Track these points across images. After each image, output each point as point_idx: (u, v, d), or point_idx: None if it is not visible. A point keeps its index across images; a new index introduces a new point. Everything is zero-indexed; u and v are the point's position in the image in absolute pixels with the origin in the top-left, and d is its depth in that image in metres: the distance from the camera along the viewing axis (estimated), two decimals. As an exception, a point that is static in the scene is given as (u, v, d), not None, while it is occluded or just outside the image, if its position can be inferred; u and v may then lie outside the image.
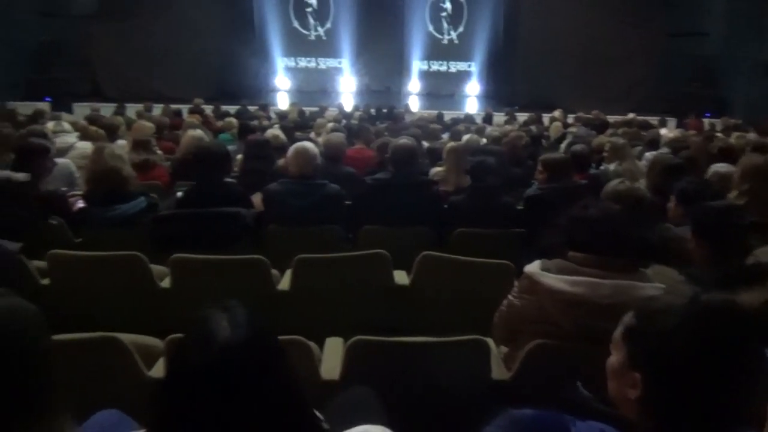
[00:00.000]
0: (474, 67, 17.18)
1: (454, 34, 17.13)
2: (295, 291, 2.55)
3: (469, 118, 9.83)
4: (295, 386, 1.03)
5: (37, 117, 7.37)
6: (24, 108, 9.46)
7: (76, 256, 2.54)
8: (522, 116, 10.89)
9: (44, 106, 10.38)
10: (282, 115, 9.50)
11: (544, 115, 10.43)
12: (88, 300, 2.55)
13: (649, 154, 5.30)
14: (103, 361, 1.78)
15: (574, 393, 1.21)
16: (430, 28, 16.97)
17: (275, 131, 5.48)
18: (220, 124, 8.04)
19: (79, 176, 4.20)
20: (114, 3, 14.08)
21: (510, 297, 1.94)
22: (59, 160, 4.18)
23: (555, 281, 1.73)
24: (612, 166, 4.62)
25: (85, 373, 1.70)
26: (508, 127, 7.86)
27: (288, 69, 17.05)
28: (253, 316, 1.02)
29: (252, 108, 10.59)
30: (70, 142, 4.95)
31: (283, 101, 14.82)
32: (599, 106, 11.28)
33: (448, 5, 16.89)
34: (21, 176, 3.15)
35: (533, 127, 8.15)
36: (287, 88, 16.81)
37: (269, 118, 9.05)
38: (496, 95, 16.12)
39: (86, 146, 4.84)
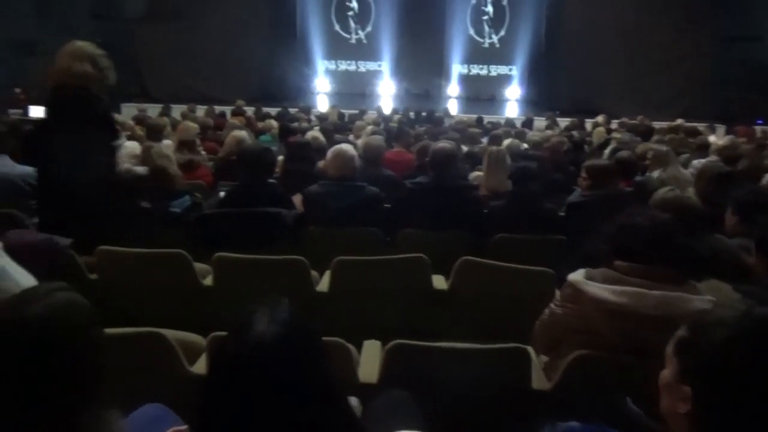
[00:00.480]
0: (515, 71, 17.00)
1: (495, 38, 16.99)
2: (333, 292, 2.56)
3: (509, 123, 9.72)
4: (332, 386, 1.03)
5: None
6: (76, 108, 9.83)
7: (123, 253, 2.61)
8: (563, 121, 10.72)
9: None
10: (322, 118, 9.59)
11: (586, 120, 10.23)
12: (134, 295, 2.61)
13: (696, 162, 5.13)
14: (147, 355, 1.82)
15: (622, 407, 1.17)
16: (471, 32, 16.87)
17: (315, 133, 5.53)
18: (261, 125, 8.17)
19: (127, 174, 4.33)
20: (162, 6, 14.51)
21: (552, 305, 1.90)
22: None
23: (600, 290, 1.69)
24: (656, 174, 4.48)
25: (128, 367, 1.74)
26: (549, 132, 7.74)
27: (328, 72, 17.21)
28: (295, 313, 1.02)
29: (292, 110, 10.73)
30: (119, 141, 5.09)
31: (322, 104, 14.97)
32: (645, 112, 10.99)
33: (490, 9, 16.76)
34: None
35: (575, 133, 8.01)
36: (327, 91, 16.96)
37: (309, 120, 9.14)
38: (537, 99, 15.90)
39: (134, 146, 4.97)
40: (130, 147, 4.98)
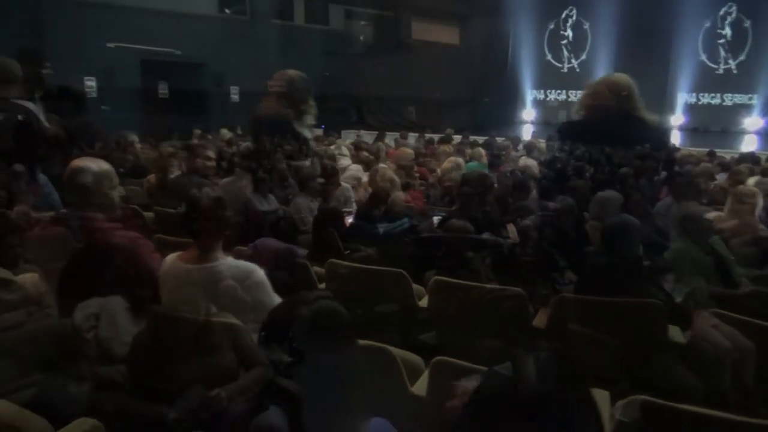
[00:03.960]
0: (755, 100, 14.90)
1: (732, 63, 15.12)
2: (552, 330, 2.41)
3: (750, 158, 8.44)
4: None
5: (317, 142, 8.48)
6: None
7: (350, 267, 2.78)
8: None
9: (319, 132, 12.00)
10: (529, 148, 9.38)
11: None
12: (354, 307, 2.75)
13: None
14: (372, 369, 1.88)
15: None
16: (703, 57, 15.27)
17: (528, 161, 5.41)
18: (468, 153, 8.27)
19: (350, 195, 4.68)
20: (383, 42, 15.76)
21: None
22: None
23: None
24: None
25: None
26: (808, 170, 6.53)
27: (535, 102, 16.97)
28: (558, 364, 0.97)
29: (499, 139, 10.68)
30: (345, 164, 5.55)
31: (527, 133, 14.76)
32: None
33: (727, 31, 15.00)
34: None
35: None
36: (533, 120, 16.73)
37: (516, 150, 9.01)
38: (786, 132, 13.69)
39: (357, 168, 5.38)
40: (354, 170, 5.40)
